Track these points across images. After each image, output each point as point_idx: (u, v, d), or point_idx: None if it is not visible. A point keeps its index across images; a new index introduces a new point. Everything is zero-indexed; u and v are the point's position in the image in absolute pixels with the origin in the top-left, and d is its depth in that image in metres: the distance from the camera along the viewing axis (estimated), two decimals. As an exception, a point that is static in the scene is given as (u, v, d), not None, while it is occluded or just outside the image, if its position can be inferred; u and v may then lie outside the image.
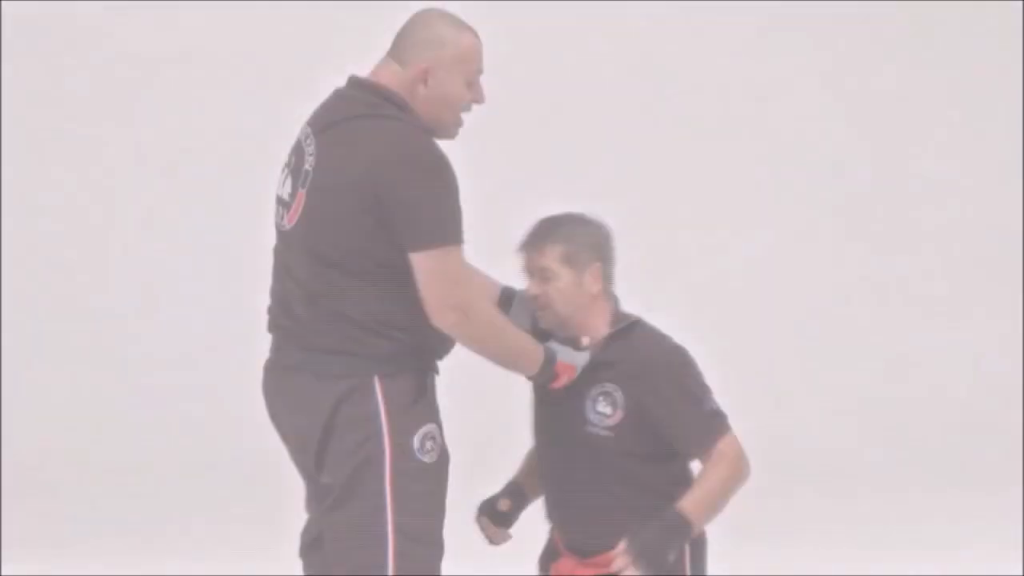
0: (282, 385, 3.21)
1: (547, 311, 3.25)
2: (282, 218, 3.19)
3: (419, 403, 3.11)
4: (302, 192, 3.12)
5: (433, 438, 3.12)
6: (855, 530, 5.82)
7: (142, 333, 6.66)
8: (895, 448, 6.78)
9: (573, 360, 3.21)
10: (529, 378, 3.24)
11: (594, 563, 3.28)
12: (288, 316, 3.18)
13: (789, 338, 7.06)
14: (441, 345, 3.17)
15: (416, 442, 3.09)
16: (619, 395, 3.20)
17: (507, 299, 3.39)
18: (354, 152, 3.05)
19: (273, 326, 3.24)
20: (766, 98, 7.19)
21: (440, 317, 3.04)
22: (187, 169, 6.78)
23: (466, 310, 3.04)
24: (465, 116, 3.21)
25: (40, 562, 5.34)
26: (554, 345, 3.22)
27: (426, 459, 3.10)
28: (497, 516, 3.41)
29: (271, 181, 3.29)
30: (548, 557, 3.43)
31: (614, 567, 3.08)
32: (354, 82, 3.17)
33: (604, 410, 3.21)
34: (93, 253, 6.75)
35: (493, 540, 3.43)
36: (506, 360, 3.16)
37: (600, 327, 3.27)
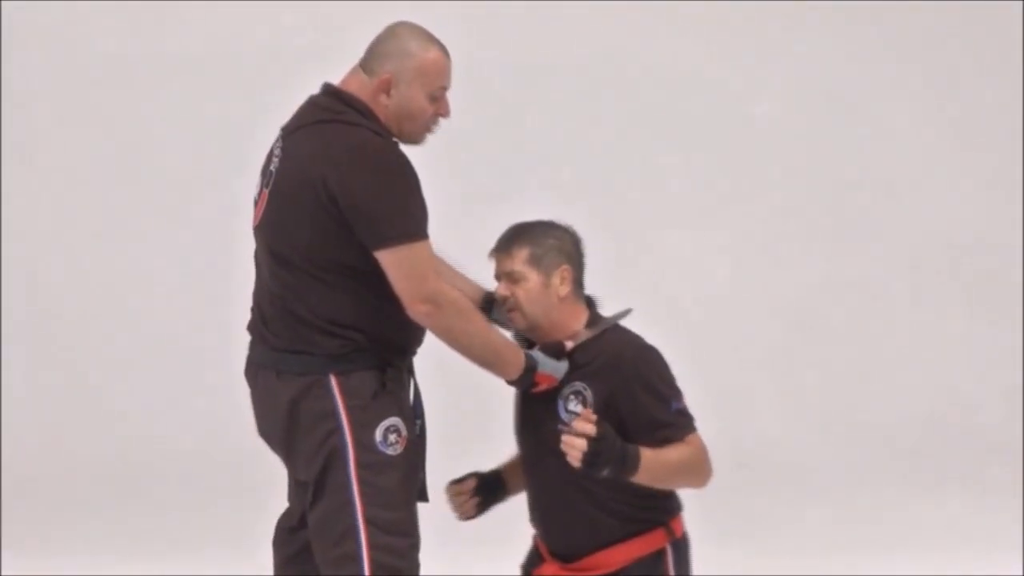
0: (254, 382, 3.31)
1: (516, 313, 3.32)
2: (254, 217, 3.29)
3: (379, 398, 3.17)
4: (266, 192, 3.22)
5: (397, 431, 3.18)
6: (850, 531, 5.83)
7: (141, 335, 6.67)
8: (864, 449, 6.81)
9: (555, 371, 3.27)
10: (509, 382, 3.29)
11: (575, 568, 3.32)
12: (259, 314, 3.28)
13: (750, 339, 7.07)
14: (404, 340, 3.23)
15: (378, 435, 3.15)
16: (588, 394, 3.25)
17: (489, 303, 3.45)
18: (312, 154, 3.13)
19: (249, 324, 3.34)
20: (727, 98, 7.20)
21: (413, 310, 3.12)
22: (173, 169, 6.81)
23: (436, 301, 3.12)
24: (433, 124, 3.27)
25: (40, 562, 5.35)
26: (537, 354, 3.27)
27: (390, 452, 3.17)
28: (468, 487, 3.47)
29: (250, 180, 3.35)
30: (531, 563, 3.46)
31: (575, 427, 3.10)
32: (324, 89, 3.27)
33: (575, 409, 3.25)
34: (88, 253, 6.76)
35: (460, 509, 3.46)
36: (483, 357, 3.21)
37: (574, 329, 3.34)
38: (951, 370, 7.16)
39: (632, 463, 3.11)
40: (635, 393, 3.22)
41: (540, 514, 3.38)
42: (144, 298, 6.71)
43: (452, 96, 3.34)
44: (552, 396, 3.28)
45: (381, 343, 3.18)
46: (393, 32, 3.25)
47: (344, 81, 3.24)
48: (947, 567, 5.23)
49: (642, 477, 3.15)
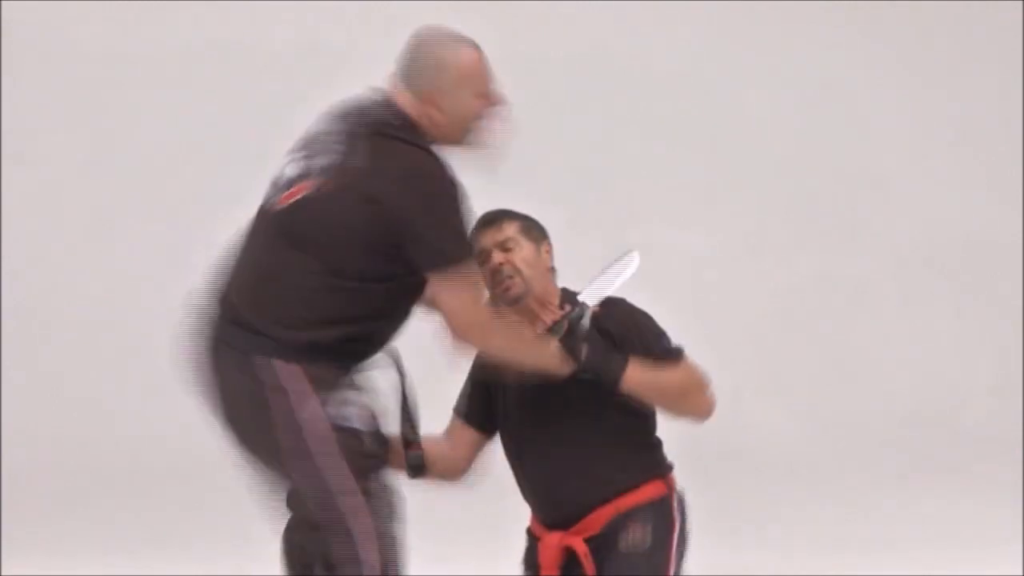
0: (207, 356, 3.25)
1: (515, 277, 3.36)
2: (272, 198, 3.23)
3: (344, 384, 3.14)
4: (310, 182, 3.16)
5: (364, 407, 3.15)
6: (838, 527, 5.83)
7: (138, 335, 6.66)
8: (851, 445, 6.83)
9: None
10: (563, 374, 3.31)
11: (579, 529, 3.34)
12: (234, 290, 3.21)
13: (738, 334, 7.08)
14: (374, 351, 3.23)
15: (343, 411, 3.11)
16: None
17: None
18: (371, 169, 3.10)
19: (209, 297, 3.27)
20: (717, 95, 7.21)
21: (464, 334, 3.14)
22: (166, 168, 6.82)
23: (484, 325, 3.16)
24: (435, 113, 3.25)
25: (40, 562, 5.35)
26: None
27: (358, 425, 3.13)
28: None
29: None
30: (531, 551, 3.47)
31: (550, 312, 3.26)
32: (383, 98, 3.23)
33: None
34: (83, 252, 6.76)
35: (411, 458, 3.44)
36: (533, 363, 3.25)
37: (553, 304, 3.39)
38: (939, 365, 7.17)
39: (612, 372, 3.23)
40: (634, 325, 3.37)
41: (540, 483, 3.40)
42: (138, 296, 6.71)
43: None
44: None
45: (355, 347, 3.18)
46: (422, 45, 3.23)
47: (395, 95, 3.21)
48: (937, 563, 5.23)
49: (633, 386, 3.25)
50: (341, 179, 3.13)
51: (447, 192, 3.12)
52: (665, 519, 3.35)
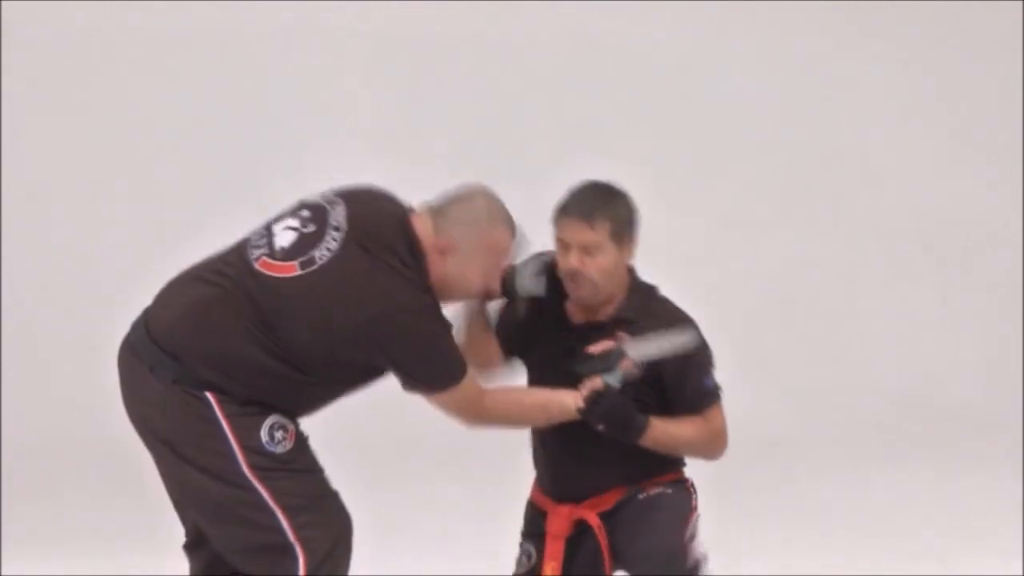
0: (134, 372, 3.27)
1: (587, 285, 3.32)
2: (254, 254, 3.23)
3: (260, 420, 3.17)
4: (295, 265, 3.17)
5: (282, 427, 3.17)
6: (824, 509, 5.83)
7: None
8: (837, 425, 6.85)
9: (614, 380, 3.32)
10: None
11: (591, 504, 3.38)
12: (177, 310, 3.23)
13: (724, 316, 7.06)
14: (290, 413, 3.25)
15: (264, 436, 3.14)
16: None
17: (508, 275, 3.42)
18: (361, 294, 3.11)
19: (150, 315, 3.28)
20: (704, 77, 7.22)
21: (473, 425, 3.28)
22: (157, 154, 6.84)
23: (490, 418, 3.26)
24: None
25: (40, 562, 5.34)
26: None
27: (278, 450, 3.15)
28: None
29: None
30: (533, 522, 3.48)
31: (583, 390, 3.22)
32: (402, 218, 3.23)
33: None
34: (87, 248, 6.77)
35: None
36: (543, 421, 3.33)
37: (621, 292, 3.38)
38: (928, 346, 7.20)
39: (635, 432, 3.25)
40: (673, 372, 3.32)
41: (558, 458, 3.42)
42: (138, 296, 6.71)
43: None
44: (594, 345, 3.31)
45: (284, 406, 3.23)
46: (471, 198, 3.27)
47: (417, 218, 3.23)
48: (930, 542, 5.25)
49: (648, 443, 3.29)
50: (323, 282, 3.12)
51: (434, 329, 3.15)
52: (681, 487, 3.43)
